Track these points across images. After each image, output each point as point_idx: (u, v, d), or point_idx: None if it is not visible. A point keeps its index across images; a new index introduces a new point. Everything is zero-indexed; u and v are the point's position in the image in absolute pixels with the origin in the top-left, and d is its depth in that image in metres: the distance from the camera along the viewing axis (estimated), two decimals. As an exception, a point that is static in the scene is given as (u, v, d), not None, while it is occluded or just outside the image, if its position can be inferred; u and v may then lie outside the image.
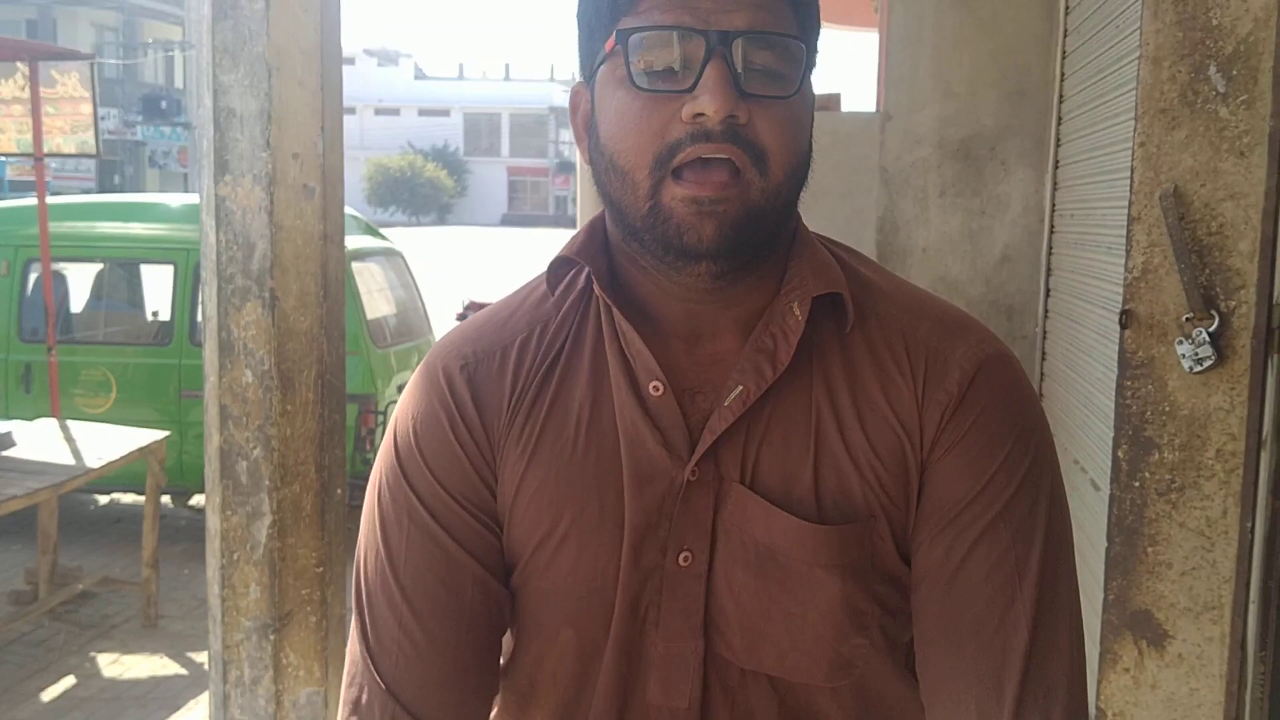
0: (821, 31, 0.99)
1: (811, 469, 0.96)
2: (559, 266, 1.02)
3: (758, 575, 0.96)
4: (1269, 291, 2.10)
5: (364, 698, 1.00)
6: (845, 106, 5.82)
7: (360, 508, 1.12)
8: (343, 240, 2.24)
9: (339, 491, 2.29)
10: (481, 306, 9.27)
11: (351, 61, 56.04)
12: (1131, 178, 2.19)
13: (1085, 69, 3.31)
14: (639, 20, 0.90)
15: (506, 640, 1.07)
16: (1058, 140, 3.75)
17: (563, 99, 55.48)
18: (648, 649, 1.00)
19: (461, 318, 13.01)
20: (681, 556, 0.97)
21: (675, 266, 0.93)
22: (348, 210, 7.88)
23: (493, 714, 1.10)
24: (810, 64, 0.95)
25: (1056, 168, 3.78)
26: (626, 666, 1.00)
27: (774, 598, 0.96)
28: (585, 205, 5.23)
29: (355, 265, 6.83)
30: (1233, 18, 2.12)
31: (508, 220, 57.09)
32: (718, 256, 0.91)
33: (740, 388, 0.95)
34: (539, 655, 1.05)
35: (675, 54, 0.89)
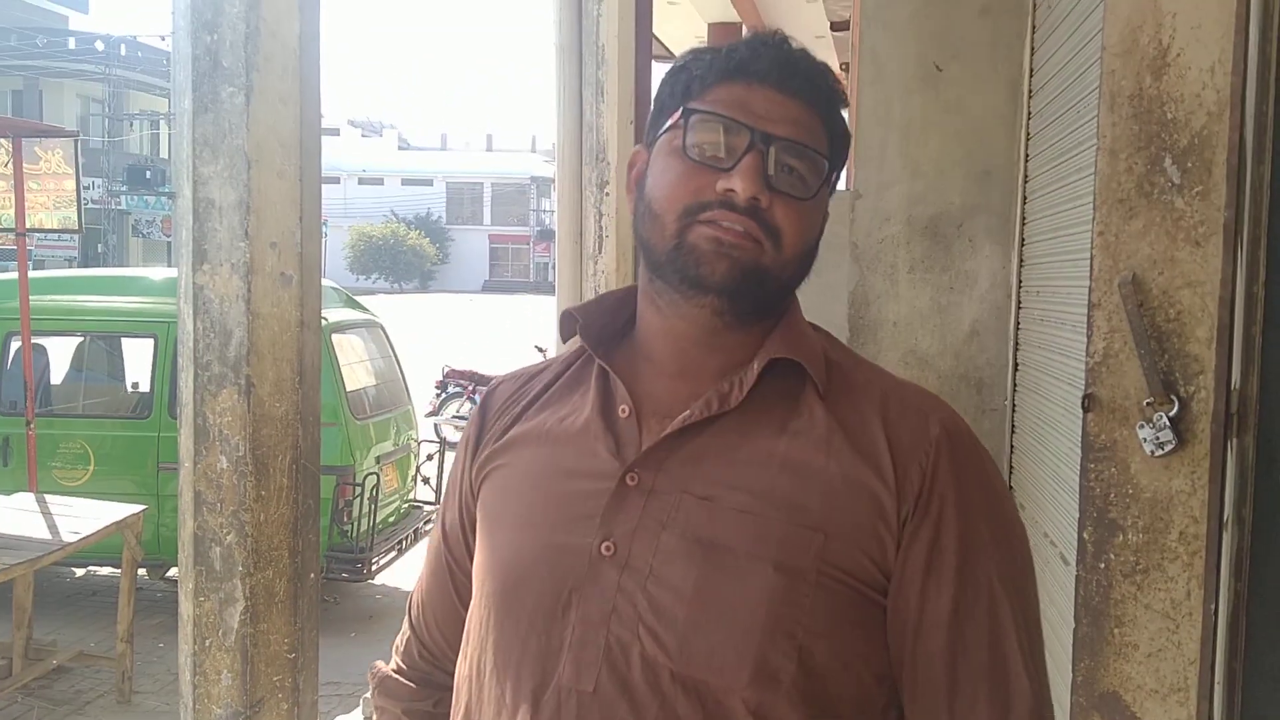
0: (844, 159, 1.17)
1: (767, 481, 1.08)
2: (565, 320, 1.21)
3: (700, 564, 1.05)
4: (1227, 377, 2.15)
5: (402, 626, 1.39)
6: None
7: (339, 580, 1.49)
8: (319, 327, 2.27)
9: (312, 576, 2.30)
10: (462, 374, 9.26)
11: (336, 132, 56.52)
12: (1091, 265, 2.25)
13: (1048, 151, 3.39)
14: (704, 106, 1.10)
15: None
16: (1023, 219, 3.83)
17: (544, 169, 55.91)
18: (566, 631, 1.08)
19: (441, 385, 13.01)
20: (604, 545, 1.08)
21: (686, 296, 1.10)
22: (328, 283, 7.91)
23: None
24: (830, 181, 1.14)
25: (1022, 245, 3.85)
26: (545, 644, 1.09)
27: (712, 584, 1.05)
28: (563, 273, 5.28)
29: (335, 337, 6.86)
30: (1187, 111, 2.19)
31: (489, 287, 57.26)
32: (723, 293, 1.08)
33: (687, 411, 1.11)
34: (478, 627, 1.17)
35: (723, 140, 1.09)
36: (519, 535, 1.15)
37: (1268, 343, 2.17)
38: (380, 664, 1.41)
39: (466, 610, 1.23)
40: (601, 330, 1.21)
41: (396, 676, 1.37)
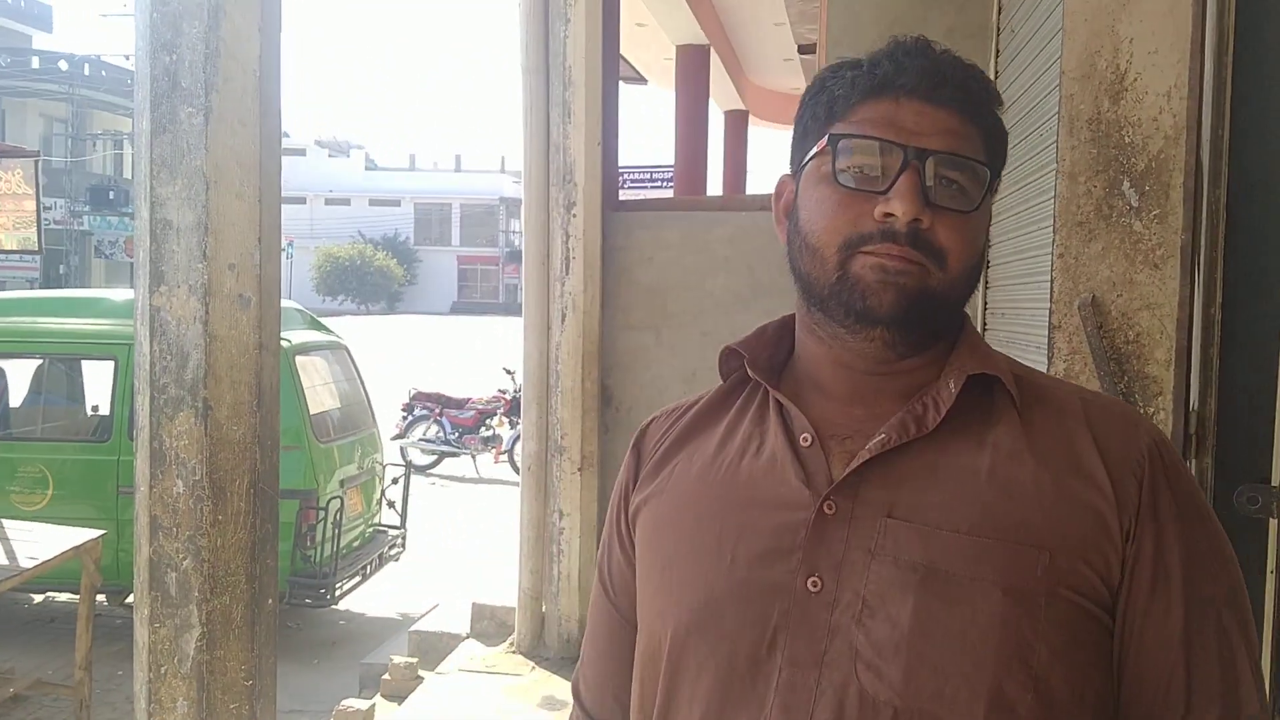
0: (1005, 161, 1.12)
1: (981, 503, 1.01)
2: (725, 358, 1.18)
3: (919, 593, 0.99)
4: (1185, 398, 2.16)
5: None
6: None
7: (301, 606, 1.36)
8: (279, 349, 2.25)
9: (269, 602, 2.27)
10: (429, 396, 9.20)
11: (302, 153, 56.27)
12: (1051, 287, 2.26)
13: (1011, 175, 3.41)
14: (850, 128, 1.05)
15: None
16: (988, 241, 3.85)
17: (513, 190, 55.86)
18: (773, 674, 1.02)
19: (408, 408, 12.94)
20: (810, 581, 1.02)
21: (853, 330, 1.05)
22: (291, 304, 7.86)
23: None
24: (992, 187, 1.08)
25: (988, 268, 3.87)
26: (749, 690, 1.03)
27: (934, 615, 0.98)
28: (530, 295, 5.27)
29: (298, 359, 6.80)
30: (1144, 136, 2.21)
31: (457, 308, 57.10)
32: (892, 324, 1.03)
33: (883, 435, 1.04)
34: (657, 674, 1.11)
35: (876, 161, 1.03)
36: (704, 572, 1.07)
37: (1225, 364, 2.19)
38: None
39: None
40: (768, 361, 1.16)
41: None
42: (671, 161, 12.82)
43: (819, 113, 1.08)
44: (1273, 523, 1.91)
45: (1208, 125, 2.16)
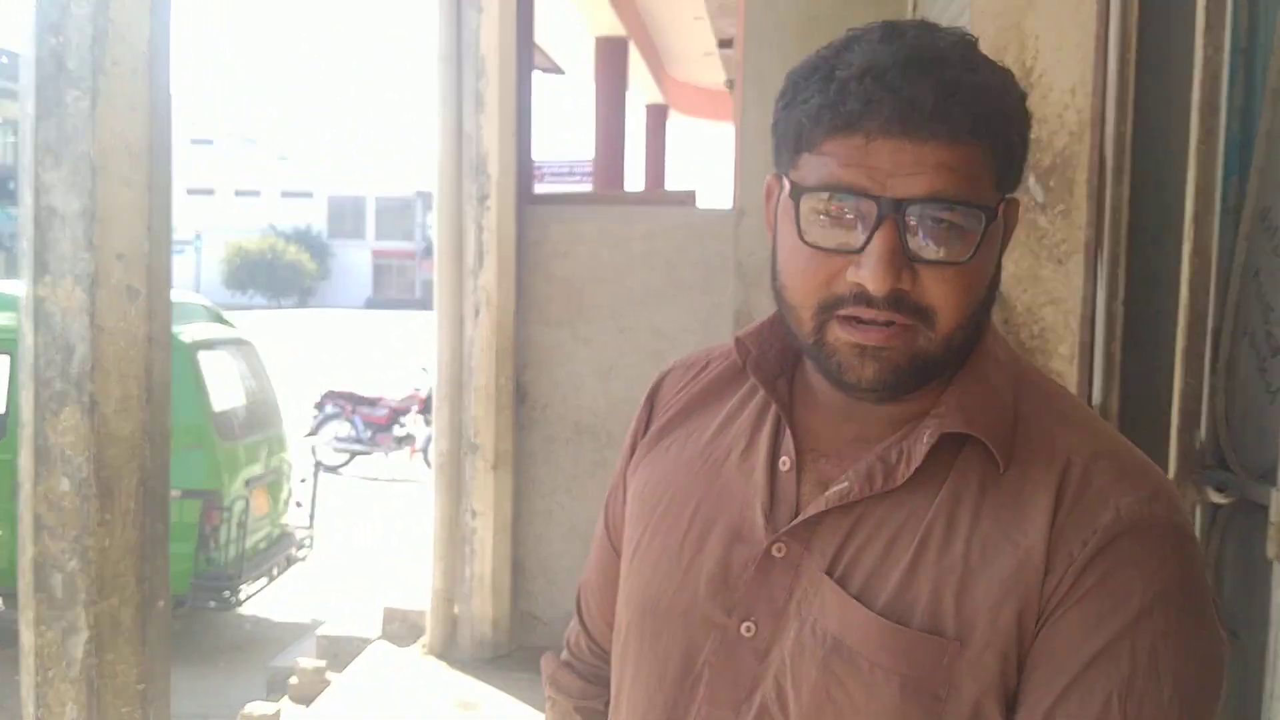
0: (1026, 158, 0.96)
1: (903, 574, 0.93)
2: (738, 348, 1.10)
3: (822, 669, 0.94)
4: (1088, 392, 2.19)
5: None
6: (705, 201, 5.95)
7: (205, 609, 1.33)
8: (169, 342, 2.17)
9: (161, 603, 2.19)
10: (341, 395, 9.03)
11: (211, 142, 55.14)
12: (958, 283, 2.28)
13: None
14: (815, 169, 0.90)
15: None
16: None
17: (429, 183, 55.48)
18: (693, 707, 1.01)
19: (319, 406, 12.73)
20: (744, 626, 0.99)
21: (838, 389, 0.98)
22: (196, 298, 7.67)
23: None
24: (999, 215, 0.93)
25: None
26: (671, 710, 1.02)
27: (830, 694, 0.94)
28: (443, 289, 5.19)
29: (202, 355, 6.64)
30: (1050, 132, 2.23)
31: (372, 303, 56.40)
32: (877, 390, 0.94)
33: (845, 484, 0.96)
34: (619, 646, 1.11)
35: (845, 217, 0.90)
36: (658, 577, 1.06)
37: (1126, 360, 2.22)
38: (551, 656, 1.32)
39: None
40: (778, 357, 1.07)
41: (567, 670, 1.29)
42: (590, 155, 12.78)
43: (788, 131, 0.94)
44: (1171, 515, 1.93)
45: (1111, 122, 2.19)
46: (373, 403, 12.63)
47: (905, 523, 0.95)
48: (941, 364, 0.94)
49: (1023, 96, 0.94)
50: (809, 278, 0.92)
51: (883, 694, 0.92)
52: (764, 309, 3.69)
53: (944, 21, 3.17)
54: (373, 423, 12.52)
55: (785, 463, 1.02)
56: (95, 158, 2.04)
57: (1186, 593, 0.89)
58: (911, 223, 0.88)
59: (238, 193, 56.01)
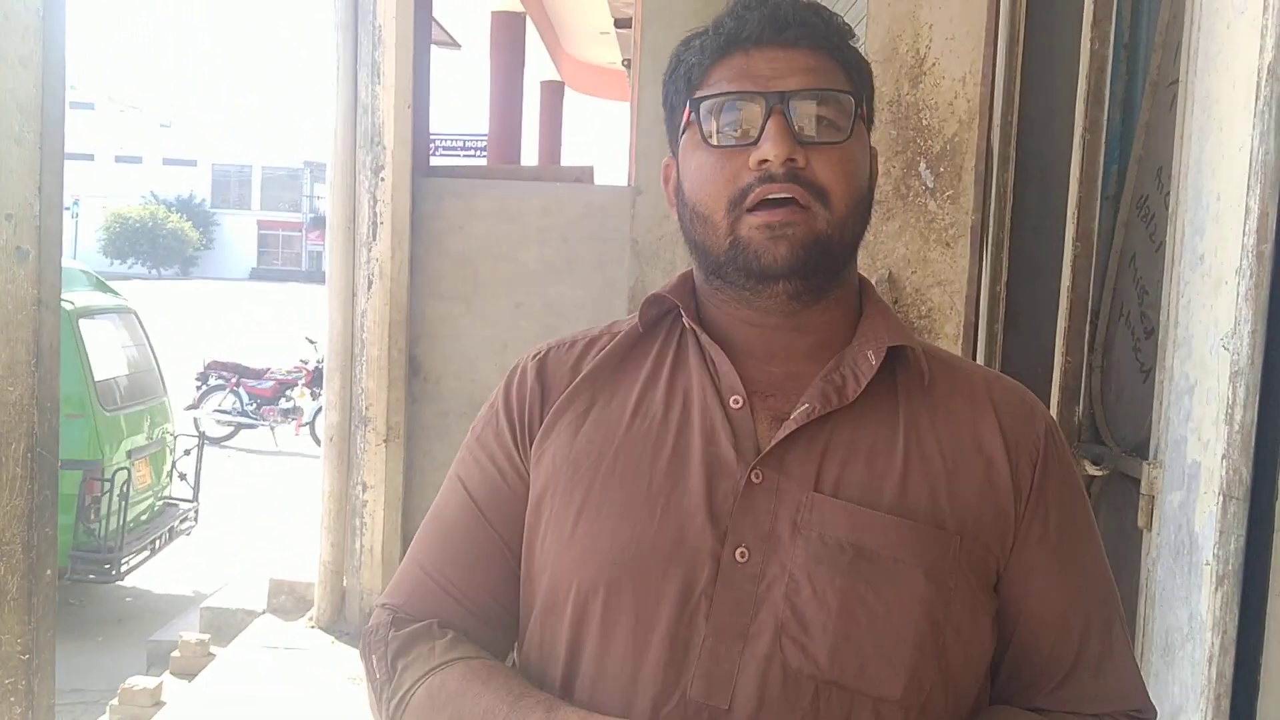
0: (873, 90, 1.14)
1: (898, 481, 1.04)
2: (649, 305, 1.15)
3: (847, 574, 1.00)
4: (971, 371, 2.28)
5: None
6: (601, 178, 5.97)
7: (85, 581, 1.20)
8: (59, 306, 2.12)
9: (49, 572, 2.14)
10: (225, 365, 8.82)
11: (92, 107, 53.16)
12: (851, 263, 2.35)
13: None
14: (709, 90, 1.06)
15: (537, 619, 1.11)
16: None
17: (317, 154, 54.27)
18: (695, 642, 1.01)
19: (202, 377, 12.43)
20: (739, 552, 1.02)
21: (755, 290, 1.06)
22: (77, 265, 7.45)
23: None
24: (860, 114, 1.07)
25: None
26: (669, 652, 1.01)
27: (861, 596, 1.00)
28: (334, 261, 5.13)
29: (83, 323, 6.45)
30: (940, 119, 2.31)
31: (257, 275, 55.10)
32: (791, 276, 1.03)
33: (806, 405, 1.04)
34: (566, 625, 1.07)
35: (741, 115, 1.04)
36: (630, 526, 1.05)
37: (1008, 339, 2.31)
38: (399, 638, 1.12)
39: (517, 584, 1.13)
40: (694, 312, 1.14)
41: (449, 636, 1.12)
42: (485, 130, 12.66)
43: (680, 86, 1.10)
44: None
45: (999, 111, 2.28)
46: (259, 375, 12.38)
47: (877, 435, 1.06)
48: (839, 252, 1.06)
49: (855, 38, 1.12)
50: (717, 179, 1.04)
51: (911, 586, 1.01)
52: (657, 287, 3.73)
53: (838, 7, 3.24)
54: (258, 395, 12.27)
55: (738, 400, 1.07)
56: (-17, 114, 1.98)
57: (1075, 468, 1.16)
58: (796, 112, 1.03)
59: (118, 159, 54.11)
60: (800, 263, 1.03)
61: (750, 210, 1.02)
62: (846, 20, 1.12)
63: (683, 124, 1.09)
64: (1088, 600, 1.10)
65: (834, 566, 1.00)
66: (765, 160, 1.01)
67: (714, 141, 1.05)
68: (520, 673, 1.10)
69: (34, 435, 2.08)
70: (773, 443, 1.04)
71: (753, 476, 1.03)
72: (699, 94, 1.07)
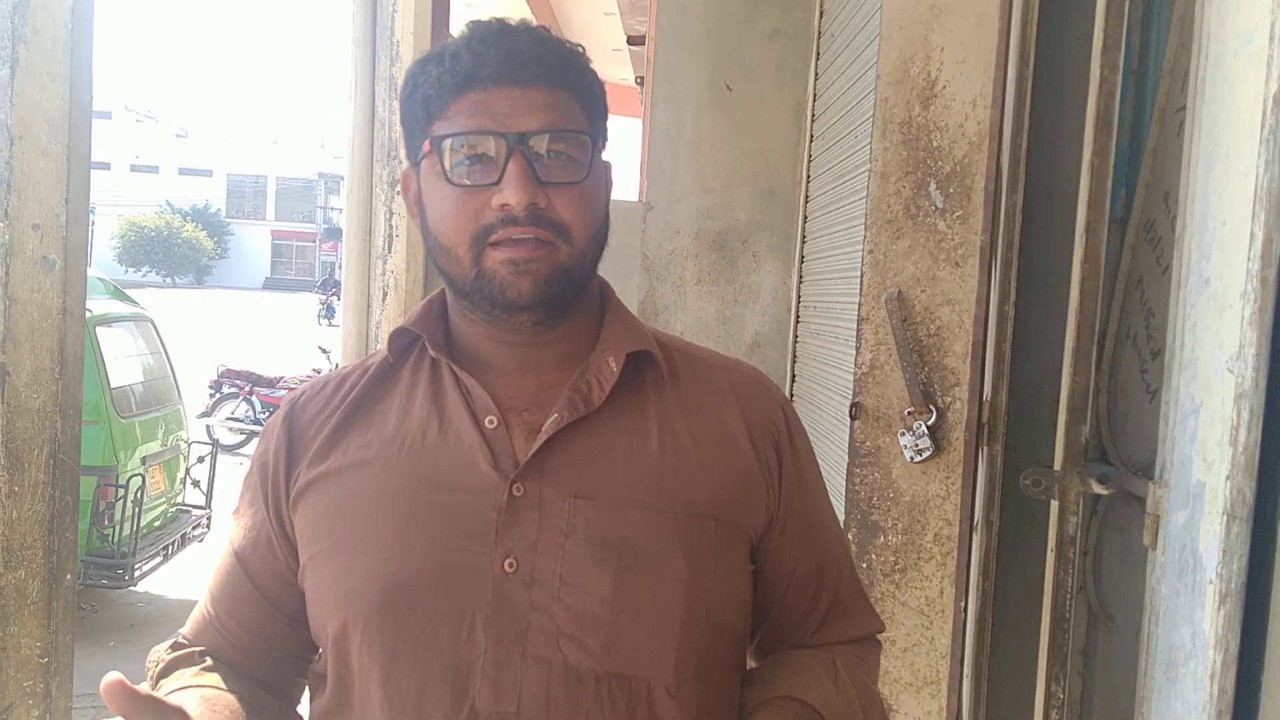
0: (608, 115, 1.18)
1: (654, 475, 1.10)
2: (396, 337, 1.18)
3: (615, 569, 1.06)
4: (980, 389, 2.30)
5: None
6: (613, 194, 5.99)
7: (98, 587, 1.27)
8: (84, 315, 2.16)
9: (68, 577, 2.18)
10: (238, 374, 8.84)
11: (109, 116, 53.47)
12: (861, 281, 2.37)
13: (827, 173, 3.54)
14: (449, 126, 1.07)
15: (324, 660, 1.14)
16: (803, 237, 3.99)
17: (332, 165, 54.47)
18: (476, 655, 1.04)
19: (216, 385, 12.49)
20: (507, 563, 1.06)
21: (501, 319, 1.10)
22: (94, 273, 7.49)
23: None
24: (599, 148, 1.13)
25: (802, 262, 4.01)
26: (453, 668, 1.04)
27: (630, 587, 1.06)
28: (351, 272, 5.16)
29: (100, 330, 6.50)
30: (950, 140, 2.34)
31: (270, 284, 55.30)
32: (535, 307, 1.08)
33: (556, 415, 1.10)
34: (352, 656, 1.09)
35: (481, 151, 1.06)
36: (397, 555, 1.07)
37: (1016, 359, 2.34)
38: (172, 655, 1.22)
39: (284, 615, 1.18)
40: (440, 339, 1.18)
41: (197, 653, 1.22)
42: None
43: (417, 113, 1.11)
44: (1053, 504, 2.05)
45: (1008, 133, 2.31)
46: (272, 383, 12.43)
47: (630, 434, 1.12)
48: (580, 279, 1.11)
49: (590, 63, 1.16)
50: (459, 216, 1.07)
51: (674, 572, 1.08)
52: (668, 301, 3.77)
53: (850, 29, 3.28)
54: (271, 403, 12.31)
55: (492, 420, 1.11)
56: (12, 127, 2.02)
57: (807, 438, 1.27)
58: (536, 152, 1.06)
59: (134, 168, 54.43)
60: (544, 296, 1.08)
61: (494, 245, 1.06)
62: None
63: (422, 152, 1.11)
64: (834, 553, 1.25)
65: (601, 564, 1.06)
66: (506, 205, 1.04)
67: (454, 179, 1.07)
68: (325, 700, 1.13)
69: (56, 442, 2.11)
70: (529, 455, 1.09)
71: (514, 490, 1.07)
72: (438, 129, 1.09)
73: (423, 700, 1.04)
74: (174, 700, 1.03)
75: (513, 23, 1.12)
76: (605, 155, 1.18)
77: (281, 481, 1.17)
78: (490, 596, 1.05)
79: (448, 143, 1.07)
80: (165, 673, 1.19)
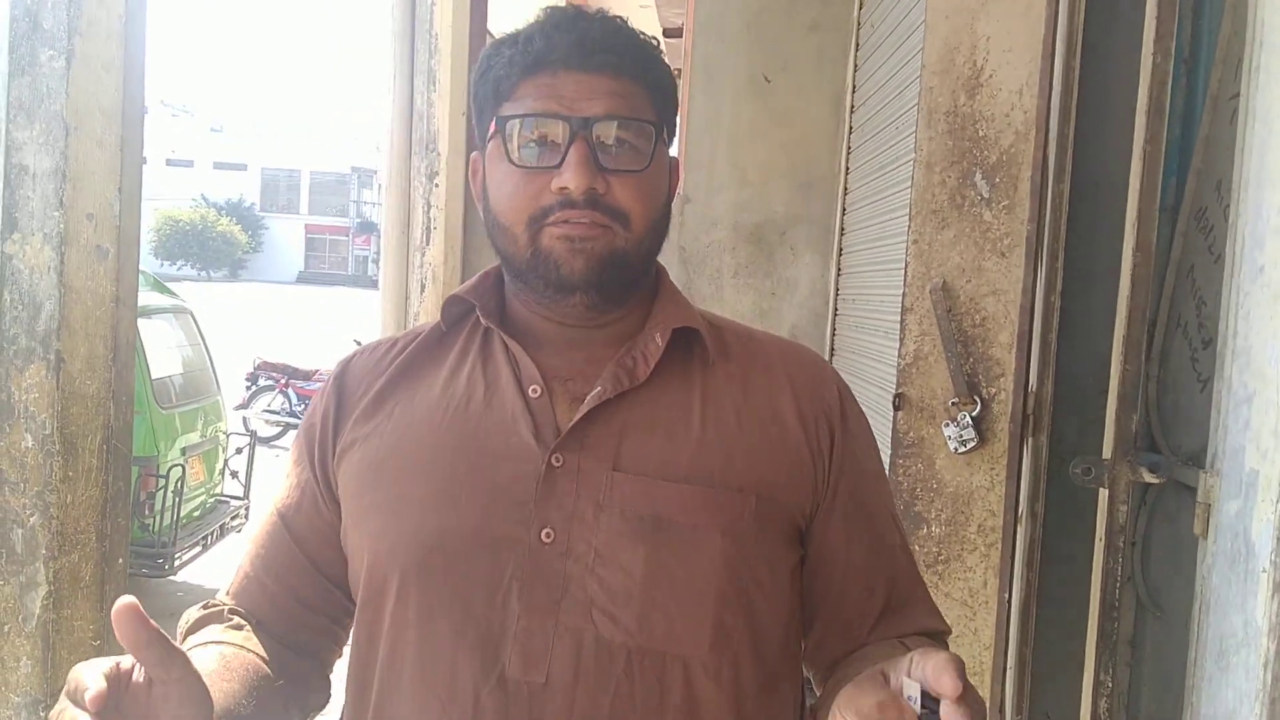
0: (677, 109, 1.17)
1: (694, 451, 1.09)
2: (451, 304, 1.19)
3: (649, 544, 1.06)
4: (1025, 380, 2.29)
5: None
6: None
7: (139, 576, 1.24)
8: (135, 303, 2.19)
9: (120, 561, 2.21)
10: (274, 366, 8.89)
11: (145, 110, 53.83)
12: (905, 272, 2.37)
13: (866, 166, 3.54)
14: (515, 108, 1.09)
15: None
16: (841, 229, 3.98)
17: (365, 159, 54.72)
18: (509, 622, 1.05)
19: (252, 378, 12.59)
20: (544, 533, 1.06)
21: (554, 299, 1.11)
22: (136, 265, 7.55)
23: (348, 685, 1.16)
24: (664, 139, 1.12)
25: (840, 255, 4.00)
26: (484, 634, 1.05)
27: (663, 562, 1.05)
28: (389, 264, 5.20)
29: (141, 322, 6.56)
30: (997, 130, 2.33)
31: (304, 278, 55.64)
32: (589, 288, 1.08)
33: (599, 388, 1.10)
34: (384, 618, 1.10)
35: (545, 134, 1.07)
36: (435, 516, 1.08)
37: (1061, 349, 2.33)
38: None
39: (324, 576, 1.19)
40: (494, 309, 1.19)
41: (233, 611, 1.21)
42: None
43: (488, 94, 1.13)
44: (1102, 492, 2.04)
45: (1054, 123, 2.30)
46: (307, 376, 12.51)
47: (673, 410, 1.12)
48: (636, 266, 1.11)
49: (663, 55, 1.16)
50: (519, 196, 1.08)
51: (710, 547, 1.07)
52: (705, 294, 3.79)
53: (891, 20, 3.27)
54: (307, 396, 12.40)
55: (536, 389, 1.12)
56: (68, 118, 2.06)
57: (867, 421, 1.25)
58: (598, 138, 1.07)
59: (169, 162, 54.88)
60: (596, 276, 1.08)
61: (551, 224, 1.07)
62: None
63: (489, 133, 1.13)
64: (889, 540, 1.20)
65: (636, 538, 1.06)
66: (565, 188, 1.05)
67: (517, 160, 1.08)
68: (353, 663, 1.15)
69: (110, 428, 2.15)
70: (569, 426, 1.09)
71: (553, 460, 1.08)
72: (505, 110, 1.10)
73: (454, 664, 1.05)
74: (191, 653, 1.03)
75: (589, 9, 1.13)
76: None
77: (329, 439, 1.19)
78: (526, 565, 1.05)
79: (513, 124, 1.08)
80: (193, 629, 1.19)
